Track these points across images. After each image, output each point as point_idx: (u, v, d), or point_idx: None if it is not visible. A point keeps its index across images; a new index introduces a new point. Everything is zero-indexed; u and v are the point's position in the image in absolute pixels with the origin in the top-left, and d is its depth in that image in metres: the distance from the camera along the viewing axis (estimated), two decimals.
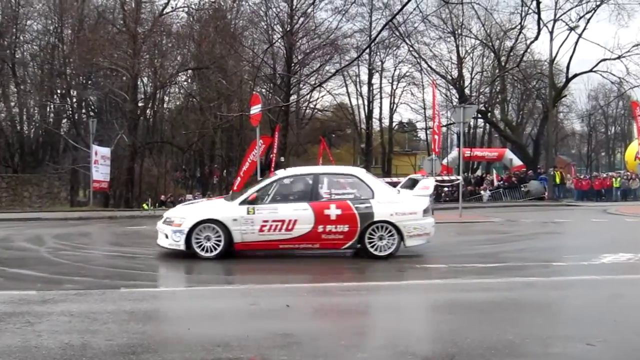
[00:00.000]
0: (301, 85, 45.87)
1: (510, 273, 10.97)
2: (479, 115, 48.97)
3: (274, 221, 12.68)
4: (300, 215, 12.65)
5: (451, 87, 49.97)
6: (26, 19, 45.57)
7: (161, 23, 40.03)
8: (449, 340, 6.42)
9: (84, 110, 48.68)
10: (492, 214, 26.39)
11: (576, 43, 43.14)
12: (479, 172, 52.06)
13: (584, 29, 42.23)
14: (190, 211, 13.37)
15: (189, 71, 43.57)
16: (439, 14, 45.82)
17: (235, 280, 11.40)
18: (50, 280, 10.46)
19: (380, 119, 56.61)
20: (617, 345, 6.44)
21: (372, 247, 12.64)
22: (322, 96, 54.05)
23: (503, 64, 47.13)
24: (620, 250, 13.55)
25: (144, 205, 32.13)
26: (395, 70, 52.25)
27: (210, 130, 41.95)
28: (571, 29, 41.46)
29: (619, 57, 42.45)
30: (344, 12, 42.54)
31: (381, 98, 54.18)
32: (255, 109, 22.27)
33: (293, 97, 42.76)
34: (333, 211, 12.65)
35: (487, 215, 25.25)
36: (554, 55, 40.54)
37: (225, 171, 50.37)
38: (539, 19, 41.51)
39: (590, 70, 44.74)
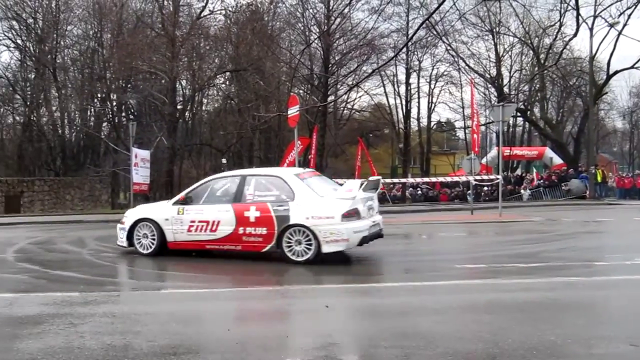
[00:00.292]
0: (339, 86, 45.90)
1: (551, 273, 10.83)
2: (518, 114, 48.51)
3: (200, 222, 12.95)
4: (222, 217, 12.74)
5: (490, 85, 49.54)
6: (66, 24, 46.35)
7: (199, 26, 40.37)
8: (490, 340, 6.38)
9: (123, 114, 49.35)
10: (532, 213, 26.12)
11: (616, 39, 42.50)
12: (518, 171, 51.59)
13: (625, 25, 41.53)
14: (135, 210, 14.25)
15: (227, 73, 43.89)
16: (477, 12, 45.49)
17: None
18: (93, 282, 10.60)
19: (418, 119, 56.38)
20: None
21: (290, 251, 12.11)
22: (360, 96, 54.12)
23: (542, 61, 46.59)
24: None
25: None
26: (432, 69, 52.01)
27: (249, 132, 42.15)
28: (611, 25, 40.80)
29: None
30: (380, 12, 42.43)
31: (419, 97, 53.93)
32: (293, 110, 22.29)
33: (331, 98, 42.78)
34: (252, 213, 12.48)
35: (527, 215, 24.99)
36: (594, 52, 40.01)
37: None
38: (578, 15, 41.02)
39: (632, 67, 43.96)
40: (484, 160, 42.98)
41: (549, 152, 49.02)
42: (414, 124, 56.17)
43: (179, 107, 42.22)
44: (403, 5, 44.85)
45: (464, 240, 17.96)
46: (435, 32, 44.01)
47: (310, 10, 42.31)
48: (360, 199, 12.18)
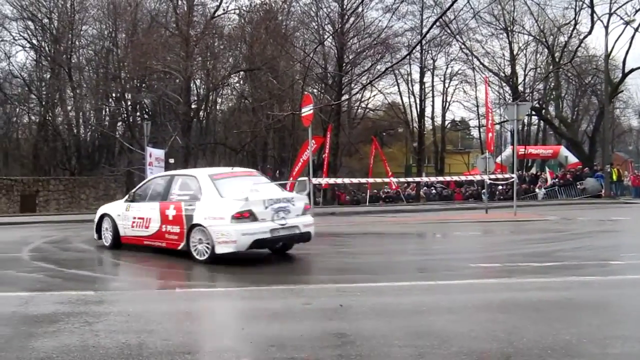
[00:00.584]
0: (352, 85, 45.88)
1: (566, 272, 10.79)
2: (533, 113, 48.34)
3: (138, 218, 13.75)
4: (152, 215, 13.35)
5: (504, 84, 49.39)
6: (81, 24, 46.56)
7: (213, 25, 40.42)
8: (505, 339, 6.37)
9: (138, 113, 49.52)
10: (547, 212, 26.05)
11: (632, 37, 42.36)
12: (533, 170, 51.37)
13: None
14: (103, 206, 15.61)
15: (241, 73, 43.93)
16: (491, 10, 45.38)
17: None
18: (108, 280, 10.66)
19: (432, 118, 56.23)
20: None
21: (195, 250, 12.28)
22: (374, 95, 54.02)
23: (557, 59, 46.40)
24: None
25: None
26: (447, 68, 51.92)
27: (263, 131, 42.17)
28: (627, 23, 40.62)
29: None
30: (394, 11, 42.35)
31: (433, 96, 53.78)
32: (307, 109, 22.30)
33: (345, 97, 42.77)
34: (171, 212, 12.90)
35: (542, 214, 24.91)
36: (609, 50, 39.83)
37: (277, 172, 50.60)
38: (593, 12, 40.88)
39: None
40: (498, 159, 42.85)
41: (564, 151, 48.75)
42: (428, 123, 56.04)
43: (193, 106, 42.27)
44: (417, 4, 44.77)
45: (479, 239, 17.93)
46: (449, 31, 43.94)
47: (324, 9, 42.37)
48: (261, 201, 11.99)
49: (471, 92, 54.00)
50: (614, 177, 38.45)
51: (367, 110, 56.84)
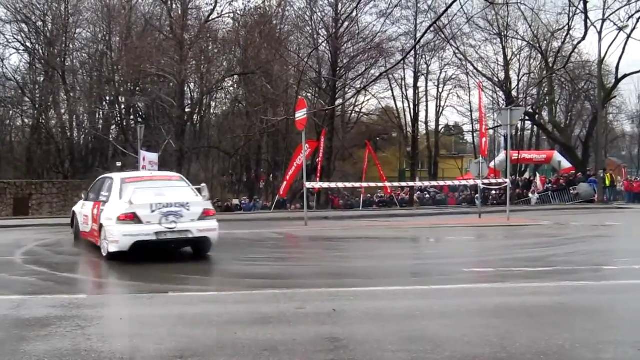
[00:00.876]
0: (346, 89, 45.92)
1: (559, 277, 10.81)
2: (527, 118, 48.36)
3: (84, 216, 15.07)
4: (89, 213, 14.58)
5: (498, 89, 49.48)
6: (76, 27, 46.60)
7: (207, 29, 40.43)
8: (498, 344, 6.37)
9: (132, 117, 49.53)
10: (541, 217, 26.07)
11: (625, 43, 42.42)
12: (526, 175, 51.46)
13: (634, 28, 41.42)
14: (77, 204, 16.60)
15: (235, 76, 43.93)
16: (485, 15, 45.37)
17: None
18: (100, 284, 10.64)
19: (426, 122, 56.37)
20: None
21: (102, 247, 13.33)
22: (368, 100, 54.08)
23: (551, 65, 46.49)
24: None
25: None
26: (441, 73, 51.98)
27: (257, 135, 42.24)
28: (620, 29, 40.73)
29: None
30: (388, 16, 42.38)
31: (427, 101, 53.87)
32: (301, 113, 22.31)
33: (339, 101, 42.80)
34: (96, 211, 14.01)
35: (536, 219, 24.94)
36: (602, 55, 39.91)
37: (271, 175, 50.64)
38: (587, 18, 40.96)
39: None
40: (492, 164, 42.94)
41: (557, 156, 48.85)
42: (422, 128, 56.17)
43: (187, 110, 42.27)
44: (411, 9, 44.75)
45: (472, 244, 17.95)
46: (443, 36, 43.95)
47: (319, 14, 42.45)
48: (147, 205, 12.62)
49: (465, 97, 54.23)
50: (607, 183, 38.52)
51: (361, 114, 56.91)
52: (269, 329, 7.16)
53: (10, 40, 47.02)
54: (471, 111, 53.93)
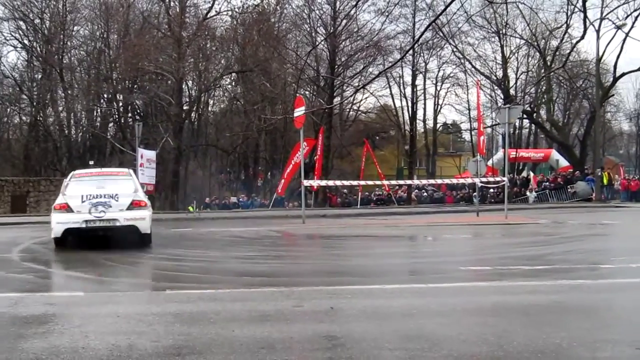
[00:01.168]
0: (345, 87, 45.92)
1: (556, 275, 10.80)
2: (525, 116, 48.35)
3: None
4: None
5: (496, 87, 49.45)
6: (73, 24, 46.51)
7: (205, 27, 40.39)
8: (495, 343, 6.36)
9: (129, 114, 49.48)
10: (539, 215, 26.10)
11: (623, 42, 42.45)
12: (524, 174, 51.49)
13: (632, 27, 41.46)
14: None
15: (233, 74, 43.96)
16: (483, 13, 45.34)
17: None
18: (97, 281, 10.61)
19: (424, 121, 56.45)
20: None
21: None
22: (366, 98, 54.13)
23: (549, 63, 46.51)
24: None
25: (190, 208, 32.41)
26: (439, 71, 52.15)
27: (255, 133, 42.21)
28: (618, 27, 40.73)
29: None
30: (387, 14, 42.41)
31: (425, 99, 54.00)
32: (299, 112, 22.31)
33: (337, 99, 42.79)
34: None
35: (533, 217, 24.97)
36: (600, 54, 39.99)
37: (269, 173, 50.62)
38: (585, 17, 40.99)
39: (639, 69, 43.91)
40: (489, 162, 42.98)
41: (555, 155, 48.88)
42: (420, 126, 56.26)
43: (185, 107, 42.24)
44: (410, 7, 44.93)
45: (470, 242, 17.97)
46: (441, 34, 43.99)
47: (317, 12, 42.48)
48: (78, 196, 14.06)
49: (463, 95, 54.29)
50: (605, 181, 38.56)
51: (359, 112, 56.97)
52: (266, 326, 7.16)
53: (7, 38, 46.98)
54: (469, 109, 54.11)
